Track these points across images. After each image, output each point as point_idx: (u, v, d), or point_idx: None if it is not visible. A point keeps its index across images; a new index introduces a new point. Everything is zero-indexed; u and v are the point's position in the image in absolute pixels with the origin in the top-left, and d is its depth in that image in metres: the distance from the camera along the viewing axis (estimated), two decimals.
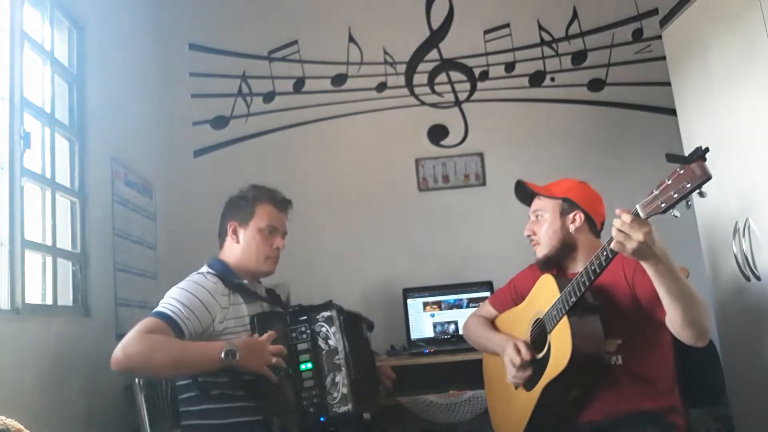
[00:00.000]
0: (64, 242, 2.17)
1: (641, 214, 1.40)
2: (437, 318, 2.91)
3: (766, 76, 2.01)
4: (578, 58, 3.28)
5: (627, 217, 1.40)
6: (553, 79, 3.27)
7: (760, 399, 2.13)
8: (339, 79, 3.30)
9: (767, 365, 2.09)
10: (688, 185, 1.30)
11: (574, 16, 3.31)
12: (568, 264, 1.86)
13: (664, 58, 2.70)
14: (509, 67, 3.29)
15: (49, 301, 2.06)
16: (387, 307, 3.00)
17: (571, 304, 1.63)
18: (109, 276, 2.41)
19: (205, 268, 1.92)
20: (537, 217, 1.89)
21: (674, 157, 1.34)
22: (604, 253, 1.53)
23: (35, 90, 2.08)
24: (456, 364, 2.58)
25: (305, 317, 1.85)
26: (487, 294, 2.75)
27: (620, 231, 1.41)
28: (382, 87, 3.29)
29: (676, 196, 1.33)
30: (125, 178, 2.62)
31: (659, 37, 2.71)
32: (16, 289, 1.77)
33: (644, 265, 1.47)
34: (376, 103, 3.28)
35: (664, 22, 2.60)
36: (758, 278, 2.09)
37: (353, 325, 1.93)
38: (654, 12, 3.24)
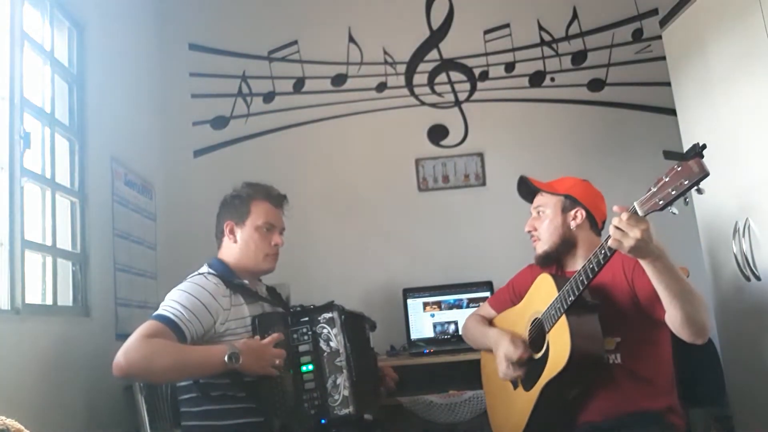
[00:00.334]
0: (64, 242, 2.17)
1: (639, 212, 1.40)
2: (437, 318, 2.91)
3: (766, 76, 2.01)
4: (578, 58, 3.28)
5: (624, 215, 1.41)
6: (553, 79, 3.27)
7: (760, 399, 2.13)
8: (339, 79, 3.30)
9: (767, 365, 2.09)
10: (686, 182, 1.31)
11: (574, 16, 3.31)
12: (567, 261, 1.87)
13: (664, 58, 2.70)
14: (509, 67, 3.29)
15: (49, 301, 2.06)
16: (387, 307, 2.99)
17: (569, 303, 1.63)
18: (109, 276, 2.41)
19: (205, 269, 1.91)
20: (538, 213, 1.89)
21: (672, 154, 1.35)
22: (602, 252, 1.53)
23: (35, 90, 2.08)
24: (456, 364, 2.58)
25: (306, 318, 1.85)
26: (487, 294, 2.76)
27: (617, 228, 1.42)
28: (382, 87, 3.29)
29: (674, 193, 1.33)
30: (125, 178, 2.62)
31: (659, 37, 2.71)
32: (16, 289, 1.77)
33: (642, 262, 1.47)
34: (376, 103, 3.28)
35: (664, 22, 2.60)
36: (758, 278, 2.09)
37: (356, 325, 1.92)
38: (654, 12, 3.24)
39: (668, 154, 1.36)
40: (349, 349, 1.80)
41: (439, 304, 2.92)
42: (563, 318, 1.64)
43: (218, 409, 1.75)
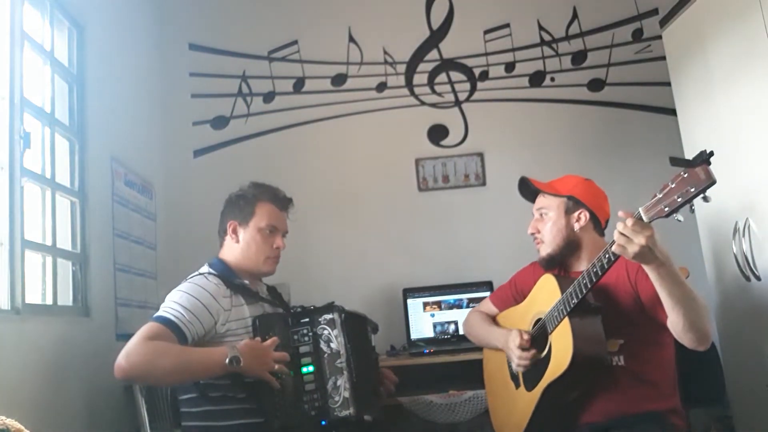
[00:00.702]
0: (64, 242, 2.17)
1: (644, 218, 1.39)
2: (437, 318, 2.91)
3: (766, 76, 2.01)
4: (578, 58, 3.28)
5: (629, 221, 1.39)
6: (553, 79, 3.27)
7: (760, 399, 2.13)
8: (339, 79, 3.30)
9: (767, 365, 2.09)
10: (692, 189, 1.29)
11: (574, 16, 3.31)
12: (571, 263, 1.85)
13: (664, 58, 2.70)
14: (509, 67, 3.29)
15: (49, 301, 2.06)
16: (387, 307, 2.99)
17: (572, 305, 1.62)
18: (109, 276, 2.41)
19: (205, 268, 1.91)
20: (541, 215, 1.87)
21: (678, 161, 1.32)
22: (606, 256, 1.52)
23: (35, 90, 2.08)
24: (456, 364, 2.58)
25: (307, 319, 1.84)
26: (487, 294, 2.74)
27: (622, 234, 1.40)
28: (382, 87, 3.29)
29: (679, 200, 1.31)
30: (125, 178, 2.62)
31: (659, 37, 2.71)
32: (16, 289, 1.77)
33: (646, 268, 1.46)
34: (376, 103, 3.28)
35: (664, 22, 2.60)
36: (758, 278, 2.09)
37: (357, 326, 1.91)
38: (654, 12, 3.24)
39: (675, 161, 1.33)
40: (350, 351, 1.79)
41: (439, 304, 2.92)
42: (566, 320, 1.64)
43: (218, 410, 1.75)
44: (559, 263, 1.85)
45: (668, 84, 2.66)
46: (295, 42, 3.32)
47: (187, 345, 1.70)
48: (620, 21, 3.29)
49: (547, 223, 1.84)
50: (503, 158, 3.19)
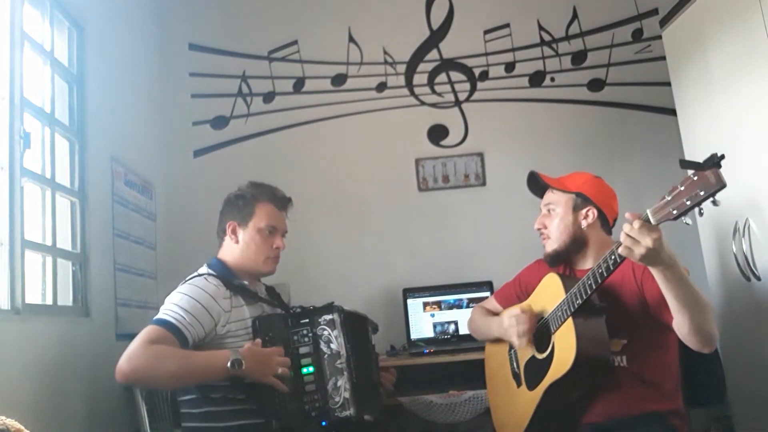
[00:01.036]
0: (64, 242, 2.17)
1: (651, 220, 1.37)
2: (437, 318, 2.91)
3: (766, 76, 2.01)
4: (578, 58, 3.28)
5: (637, 223, 1.38)
6: (553, 79, 3.27)
7: (760, 399, 2.13)
8: (339, 79, 3.30)
9: (767, 365, 2.09)
10: (702, 193, 1.27)
11: (574, 16, 3.31)
12: (577, 260, 1.84)
13: (664, 58, 2.70)
14: (509, 67, 3.29)
15: (49, 301, 2.06)
16: (387, 307, 2.99)
17: (576, 306, 1.61)
18: (109, 276, 2.41)
19: (204, 269, 1.90)
20: (549, 210, 1.86)
21: (688, 163, 1.30)
22: (612, 258, 1.52)
23: (35, 90, 2.08)
24: (456, 364, 2.58)
25: (306, 320, 1.83)
26: (487, 294, 2.75)
27: (629, 236, 1.39)
28: (382, 87, 3.29)
29: (688, 203, 1.29)
30: (125, 178, 2.62)
31: (659, 37, 2.71)
32: (16, 289, 1.77)
33: (652, 270, 1.45)
34: (376, 103, 3.28)
35: (664, 22, 2.60)
36: (758, 278, 2.09)
37: (357, 327, 1.90)
38: (654, 12, 3.24)
39: (684, 163, 1.31)
40: (350, 351, 1.78)
41: (439, 304, 2.92)
42: (570, 320, 1.63)
43: (218, 411, 1.74)
44: (564, 260, 1.84)
45: (668, 84, 2.66)
46: (295, 42, 3.32)
47: (188, 347, 1.69)
48: (620, 21, 3.29)
49: (554, 219, 1.83)
50: (503, 158, 3.19)
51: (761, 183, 2.05)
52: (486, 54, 3.30)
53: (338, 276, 3.08)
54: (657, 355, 1.70)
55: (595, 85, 3.26)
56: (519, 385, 1.84)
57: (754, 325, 2.15)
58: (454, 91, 3.29)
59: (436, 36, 3.32)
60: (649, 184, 2.97)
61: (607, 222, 1.83)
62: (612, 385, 1.68)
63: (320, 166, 3.23)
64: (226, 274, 1.87)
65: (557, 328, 1.68)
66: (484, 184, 3.19)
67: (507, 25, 3.31)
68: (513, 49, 3.30)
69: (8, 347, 1.68)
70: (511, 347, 1.90)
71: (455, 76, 3.30)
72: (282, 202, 1.98)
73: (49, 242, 2.06)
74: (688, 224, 1.34)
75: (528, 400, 1.77)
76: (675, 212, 1.32)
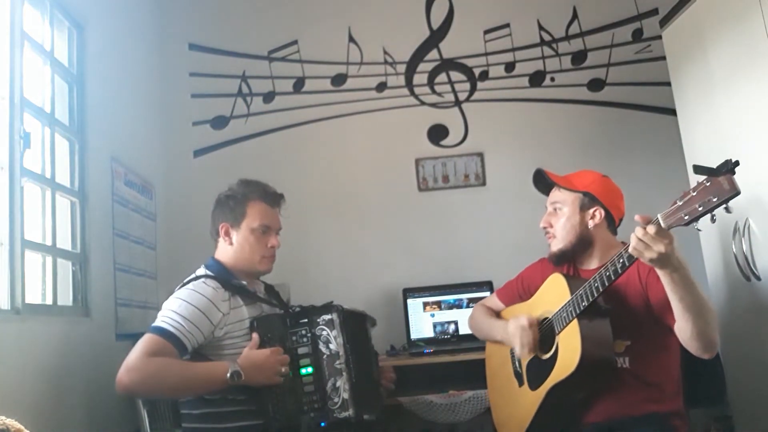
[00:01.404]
0: (64, 242, 2.17)
1: (662, 225, 1.37)
2: (437, 318, 2.91)
3: (766, 76, 2.01)
4: (578, 58, 3.28)
5: (651, 228, 1.37)
6: (553, 79, 3.27)
7: (760, 399, 2.13)
8: (339, 79, 3.30)
9: (767, 365, 2.09)
10: (715, 199, 1.26)
11: (574, 16, 3.31)
12: (582, 260, 1.84)
13: (664, 58, 2.69)
14: (509, 67, 3.29)
15: (49, 301, 2.05)
16: (387, 307, 2.99)
17: (582, 307, 1.61)
18: (109, 276, 2.41)
19: (202, 270, 1.88)
20: (555, 209, 1.84)
21: (701, 169, 1.28)
22: (621, 261, 1.51)
23: (35, 90, 2.08)
24: (456, 364, 2.58)
25: (305, 320, 1.82)
26: (487, 294, 2.75)
27: (640, 240, 1.38)
28: (382, 87, 3.29)
29: (701, 209, 1.29)
30: (125, 178, 2.62)
31: (659, 37, 2.71)
32: (16, 289, 1.77)
33: (659, 272, 1.45)
34: (376, 103, 3.28)
35: (664, 22, 2.60)
36: (758, 278, 2.08)
37: (357, 325, 1.90)
38: (654, 12, 3.24)
39: (698, 169, 1.29)
40: (349, 351, 1.78)
41: (439, 304, 2.92)
42: (575, 322, 1.63)
43: (218, 412, 1.74)
44: (569, 259, 1.83)
45: (668, 84, 2.66)
46: (295, 42, 3.31)
47: (187, 355, 1.70)
48: (620, 21, 3.29)
49: (561, 219, 1.82)
50: (503, 158, 3.19)
51: (761, 183, 2.05)
52: (486, 54, 3.30)
53: (338, 276, 3.08)
54: (659, 357, 1.70)
55: (595, 85, 3.26)
56: (521, 384, 1.84)
57: (754, 325, 2.15)
58: (454, 91, 3.29)
59: (436, 36, 3.32)
60: (650, 184, 2.96)
61: (613, 222, 1.82)
62: (614, 386, 1.68)
63: (320, 166, 3.22)
64: (223, 275, 1.86)
65: (562, 329, 1.68)
66: (484, 184, 3.19)
67: (507, 25, 3.31)
68: (513, 49, 3.29)
69: (8, 347, 1.68)
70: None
71: (455, 76, 3.30)
72: (274, 199, 1.94)
73: (49, 242, 2.06)
74: (699, 230, 1.34)
75: (530, 400, 1.77)
76: (686, 218, 1.32)
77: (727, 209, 1.28)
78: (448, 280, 2.98)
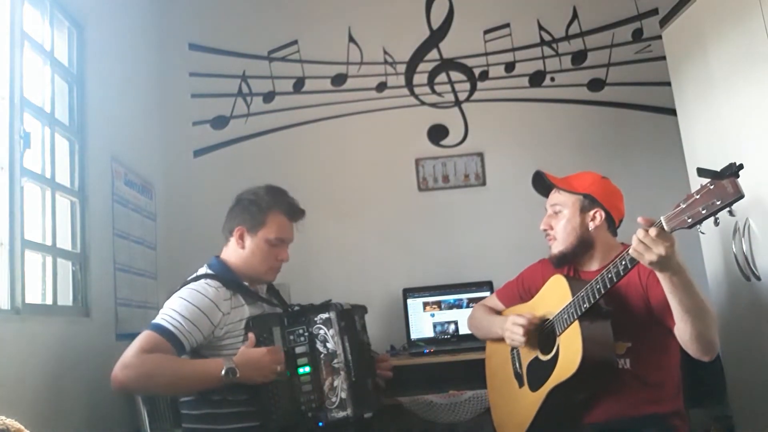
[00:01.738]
0: (64, 242, 2.17)
1: (665, 227, 1.37)
2: (437, 318, 2.91)
3: (766, 76, 2.01)
4: (578, 58, 3.28)
5: (653, 231, 1.37)
6: (553, 79, 3.27)
7: (760, 399, 2.13)
8: (339, 79, 3.30)
9: (767, 365, 2.09)
10: (718, 203, 1.26)
11: (574, 16, 3.31)
12: (583, 261, 1.84)
13: (664, 58, 2.69)
14: (509, 67, 3.29)
15: (49, 301, 2.05)
16: (387, 307, 2.99)
17: (584, 309, 1.61)
18: (109, 276, 2.41)
19: (204, 270, 1.89)
20: (555, 211, 1.84)
21: (705, 172, 1.28)
22: (623, 263, 1.51)
23: (35, 90, 2.08)
24: (456, 364, 2.58)
25: (303, 319, 1.82)
26: (487, 294, 2.75)
27: (641, 242, 1.38)
28: (382, 87, 3.29)
29: (704, 212, 1.28)
30: (125, 178, 2.61)
31: (659, 37, 2.71)
32: (16, 289, 1.77)
33: (659, 275, 1.45)
34: (376, 103, 3.28)
35: (664, 22, 2.60)
36: (758, 278, 2.08)
37: (353, 322, 1.88)
38: (654, 12, 3.24)
39: (701, 172, 1.29)
40: (348, 350, 1.77)
41: (439, 304, 2.92)
42: (576, 324, 1.63)
43: (218, 413, 1.74)
44: (570, 261, 1.83)
45: (668, 84, 2.66)
46: (295, 42, 3.31)
47: (185, 354, 1.70)
48: (620, 21, 3.29)
49: (561, 221, 1.81)
50: (503, 158, 3.19)
51: (762, 183, 2.05)
52: (486, 54, 3.30)
53: (338, 276, 3.08)
54: (660, 357, 1.70)
55: (595, 85, 3.26)
56: (521, 385, 1.84)
57: (754, 325, 2.15)
58: (454, 91, 3.29)
59: (436, 36, 3.32)
60: (650, 184, 2.97)
61: (613, 223, 1.82)
62: (615, 386, 1.68)
63: (320, 166, 3.22)
64: (226, 275, 1.86)
65: (563, 331, 1.67)
66: (484, 184, 3.19)
67: (507, 25, 3.31)
68: (513, 49, 3.30)
69: (8, 347, 1.68)
70: (513, 347, 1.90)
71: (455, 76, 3.30)
72: (296, 214, 1.94)
73: (49, 242, 2.06)
74: (703, 233, 1.33)
75: (530, 401, 1.77)
76: (690, 221, 1.32)
77: (731, 212, 1.28)
78: (448, 280, 2.98)
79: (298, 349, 1.79)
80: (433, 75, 3.30)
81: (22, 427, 1.15)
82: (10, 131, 1.83)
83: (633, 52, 3.26)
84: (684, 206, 1.33)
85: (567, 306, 1.66)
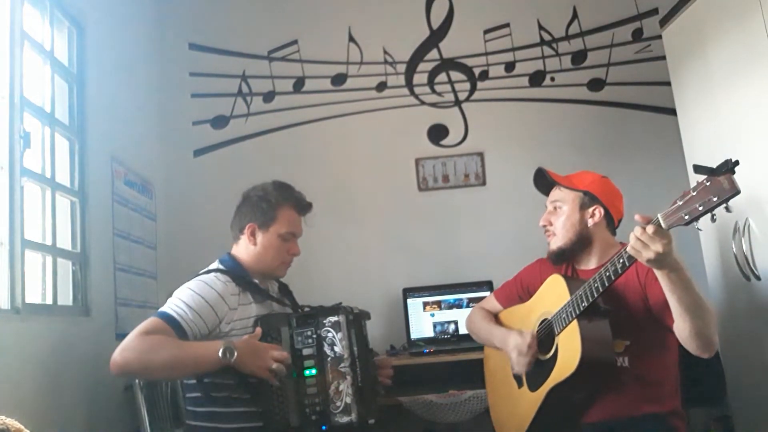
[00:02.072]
0: (64, 242, 2.17)
1: (663, 225, 1.37)
2: (437, 318, 2.91)
3: (766, 76, 2.01)
4: (578, 57, 3.28)
5: (650, 228, 1.37)
6: (553, 79, 3.27)
7: (760, 399, 2.13)
8: (339, 79, 3.30)
9: (767, 365, 2.09)
10: (715, 199, 1.27)
11: (574, 15, 3.31)
12: (581, 259, 1.84)
13: (664, 58, 2.70)
14: (509, 66, 3.29)
15: (49, 301, 2.05)
16: (387, 307, 2.99)
17: (582, 308, 1.61)
18: (109, 276, 2.41)
19: (216, 265, 1.89)
20: (555, 207, 1.85)
21: (701, 168, 1.29)
22: (621, 261, 1.51)
23: (35, 90, 2.08)
24: (456, 363, 2.58)
25: (312, 321, 1.80)
26: (487, 294, 2.74)
27: (638, 239, 1.39)
28: (382, 87, 3.29)
29: (701, 209, 1.29)
30: (125, 178, 2.62)
31: (659, 37, 2.71)
32: (16, 289, 1.77)
33: (657, 273, 1.45)
34: (376, 102, 3.28)
35: (664, 22, 2.60)
36: (758, 278, 2.09)
37: (360, 327, 1.87)
38: (654, 12, 3.23)
39: (698, 168, 1.30)
40: (355, 355, 1.76)
41: (439, 304, 2.92)
42: (575, 323, 1.63)
43: (221, 412, 1.74)
44: (568, 258, 1.84)
45: (668, 84, 2.66)
46: (295, 42, 3.31)
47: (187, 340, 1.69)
48: (620, 21, 3.29)
49: (560, 217, 1.83)
50: (503, 158, 3.19)
51: (761, 183, 2.05)
52: (486, 54, 3.30)
53: (338, 276, 3.08)
54: (658, 356, 1.70)
55: (595, 84, 3.26)
56: (520, 386, 1.84)
57: (754, 325, 2.15)
58: (454, 91, 3.29)
59: (436, 36, 3.32)
60: (650, 184, 2.96)
61: (612, 222, 1.83)
62: (613, 385, 1.68)
63: (320, 166, 3.22)
64: (237, 271, 1.86)
65: (561, 330, 1.68)
66: (484, 183, 3.19)
67: (507, 25, 3.30)
68: (513, 49, 3.29)
69: (8, 347, 1.68)
70: None
71: (455, 75, 3.30)
72: (304, 208, 1.97)
73: (49, 242, 2.06)
74: (700, 230, 1.34)
75: (530, 401, 1.77)
76: (687, 217, 1.32)
77: (727, 209, 1.28)
78: (448, 280, 2.98)
79: (306, 351, 1.77)
80: (433, 75, 3.30)
81: (22, 427, 1.15)
82: (10, 131, 1.83)
83: (633, 52, 3.26)
84: (681, 203, 1.34)
85: (565, 305, 1.67)
